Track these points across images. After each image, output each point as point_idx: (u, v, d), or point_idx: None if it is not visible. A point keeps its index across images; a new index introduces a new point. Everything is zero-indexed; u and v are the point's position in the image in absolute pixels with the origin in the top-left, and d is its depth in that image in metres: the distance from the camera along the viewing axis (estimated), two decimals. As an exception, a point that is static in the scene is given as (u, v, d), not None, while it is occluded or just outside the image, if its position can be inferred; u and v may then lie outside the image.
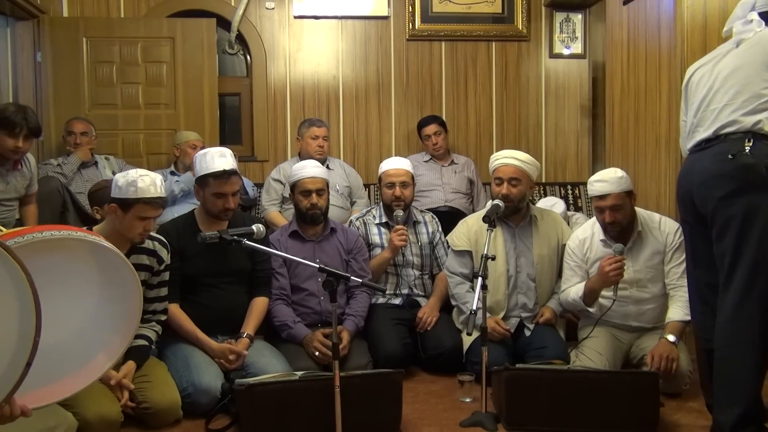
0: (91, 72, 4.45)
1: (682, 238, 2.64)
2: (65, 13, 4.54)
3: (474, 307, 2.42)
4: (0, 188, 3.06)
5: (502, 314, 3.09)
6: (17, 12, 4.24)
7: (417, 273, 3.43)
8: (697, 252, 2.35)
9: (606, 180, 2.86)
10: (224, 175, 2.84)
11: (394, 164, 3.46)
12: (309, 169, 3.22)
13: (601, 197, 2.87)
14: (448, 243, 3.33)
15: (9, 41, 4.35)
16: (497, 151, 3.22)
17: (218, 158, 2.86)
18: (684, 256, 2.67)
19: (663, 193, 3.41)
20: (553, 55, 4.89)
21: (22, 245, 1.59)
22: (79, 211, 3.53)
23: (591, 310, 2.97)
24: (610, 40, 4.04)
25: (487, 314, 3.02)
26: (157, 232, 2.82)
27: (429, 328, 3.20)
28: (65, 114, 4.28)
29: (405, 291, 3.40)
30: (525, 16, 4.82)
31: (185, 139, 4.22)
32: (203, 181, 2.87)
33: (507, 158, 3.09)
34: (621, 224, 2.89)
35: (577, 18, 4.89)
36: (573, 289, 3.00)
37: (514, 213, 3.12)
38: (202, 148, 4.09)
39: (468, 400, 2.75)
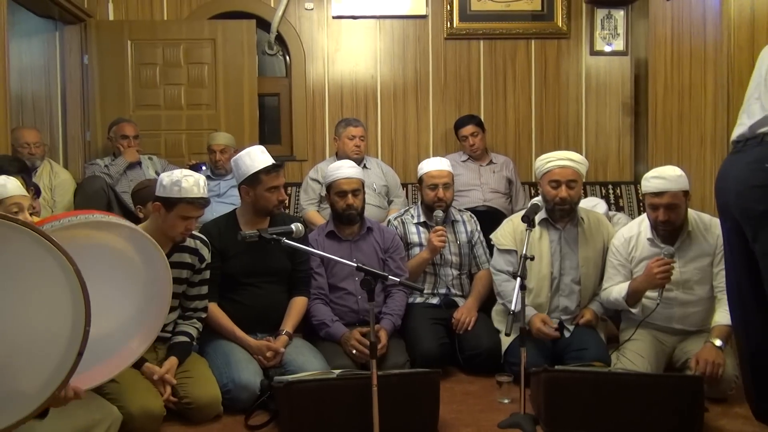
0: (135, 73, 4.57)
1: None
2: (111, 17, 4.66)
3: (513, 308, 2.40)
4: None
5: (542, 316, 3.06)
6: (65, 16, 4.40)
7: (455, 272, 3.42)
8: (735, 254, 2.26)
9: (664, 177, 2.78)
10: (275, 168, 2.91)
11: (436, 165, 3.43)
12: (344, 169, 3.22)
13: (657, 194, 2.78)
14: (490, 241, 3.29)
15: (58, 44, 4.53)
16: (537, 150, 3.17)
17: (261, 155, 2.92)
18: None
19: (708, 194, 3.32)
20: (594, 53, 4.81)
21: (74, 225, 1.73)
22: (123, 209, 3.63)
23: (633, 310, 2.90)
24: (653, 37, 3.96)
25: (534, 311, 3.00)
26: (199, 232, 2.87)
27: (469, 329, 3.18)
28: (111, 114, 4.41)
29: (443, 290, 3.39)
30: (565, 13, 4.76)
31: (209, 143, 4.28)
32: (254, 179, 2.90)
33: (562, 160, 3.01)
34: (674, 224, 2.81)
35: (619, 14, 4.80)
36: (616, 288, 2.94)
37: (567, 215, 3.06)
38: (221, 152, 4.16)
39: (506, 401, 2.73)
